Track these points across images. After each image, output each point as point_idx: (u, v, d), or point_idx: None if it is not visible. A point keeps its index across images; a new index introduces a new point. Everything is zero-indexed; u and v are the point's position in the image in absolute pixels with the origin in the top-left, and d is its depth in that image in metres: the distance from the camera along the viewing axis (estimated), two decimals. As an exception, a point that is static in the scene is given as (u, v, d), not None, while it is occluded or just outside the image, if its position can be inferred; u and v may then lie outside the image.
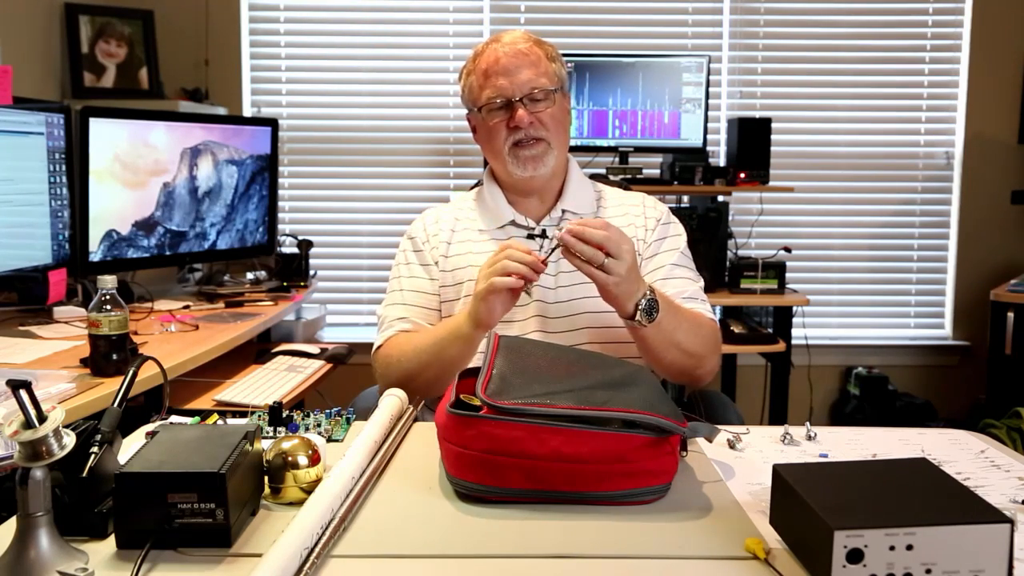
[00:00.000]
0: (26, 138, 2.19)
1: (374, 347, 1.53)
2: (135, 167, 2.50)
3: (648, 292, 1.29)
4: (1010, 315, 3.06)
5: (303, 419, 1.26)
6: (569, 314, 1.48)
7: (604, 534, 0.89)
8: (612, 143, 3.13)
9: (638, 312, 1.29)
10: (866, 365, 3.46)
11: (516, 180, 1.52)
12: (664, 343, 1.36)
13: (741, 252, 3.31)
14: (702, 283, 1.55)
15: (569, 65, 3.06)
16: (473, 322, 1.33)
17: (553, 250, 1.30)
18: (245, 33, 3.43)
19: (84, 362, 1.69)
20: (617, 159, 3.16)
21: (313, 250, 3.08)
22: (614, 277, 1.24)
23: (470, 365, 1.42)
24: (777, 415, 3.05)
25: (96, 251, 2.40)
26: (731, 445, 1.18)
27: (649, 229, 1.56)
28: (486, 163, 1.61)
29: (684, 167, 3.09)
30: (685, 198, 3.34)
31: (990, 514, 0.76)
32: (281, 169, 3.30)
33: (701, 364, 1.43)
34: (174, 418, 1.20)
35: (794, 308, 3.06)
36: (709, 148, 3.20)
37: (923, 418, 3.32)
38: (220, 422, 1.19)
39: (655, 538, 0.88)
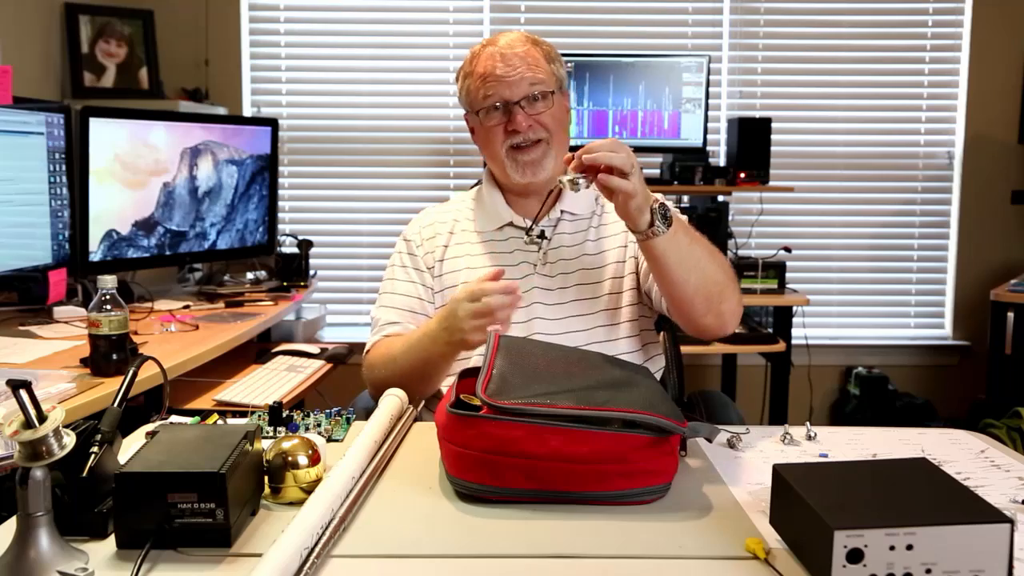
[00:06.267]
0: (26, 138, 2.19)
1: (364, 350, 1.54)
2: (135, 167, 2.49)
3: (656, 201, 1.26)
4: (1010, 315, 3.05)
5: (303, 419, 1.26)
6: (564, 332, 1.48)
7: (604, 534, 0.89)
8: (612, 143, 3.13)
9: (655, 219, 1.24)
10: (866, 365, 3.46)
11: (514, 184, 1.51)
12: (685, 261, 1.30)
13: (741, 252, 3.31)
14: None
15: (569, 65, 3.06)
16: (451, 344, 1.33)
17: (545, 242, 1.29)
18: (245, 33, 3.43)
19: (84, 362, 1.69)
20: (617, 159, 3.15)
21: (313, 250, 3.08)
22: (636, 186, 1.21)
23: (469, 365, 1.42)
24: (777, 415, 3.05)
25: (96, 251, 2.40)
26: (731, 445, 1.18)
27: None
28: (486, 163, 1.61)
29: (684, 167, 3.09)
30: (685, 198, 3.34)
31: (990, 514, 0.76)
32: (281, 169, 3.30)
33: (725, 295, 1.37)
34: (174, 418, 1.20)
35: (794, 308, 3.06)
36: (709, 148, 3.20)
37: (923, 418, 3.32)
38: (220, 422, 1.19)
39: (655, 538, 0.88)
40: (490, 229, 1.55)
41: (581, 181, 1.22)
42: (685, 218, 1.49)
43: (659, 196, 1.31)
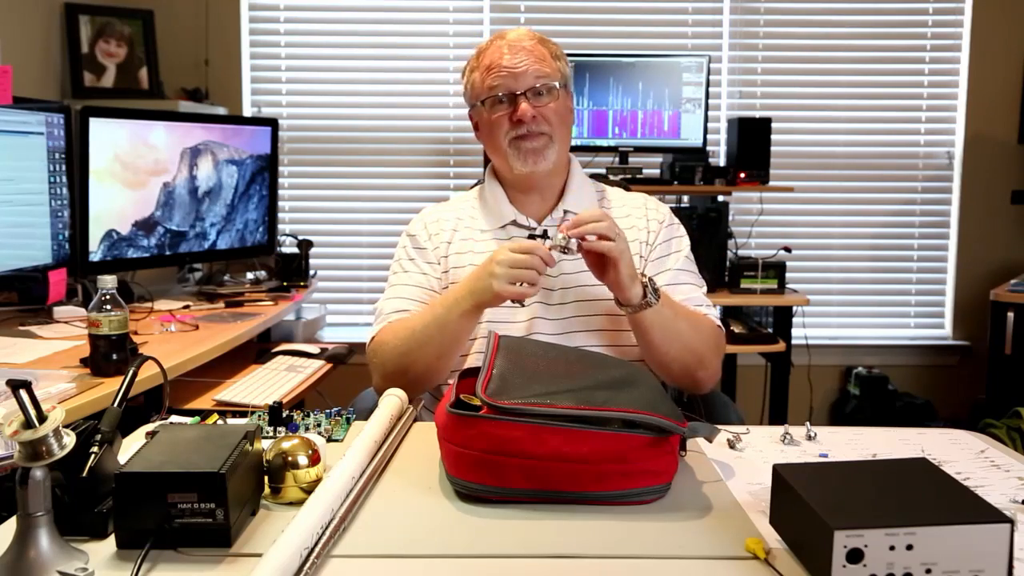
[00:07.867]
0: (26, 138, 2.19)
1: (368, 338, 1.50)
2: (135, 167, 2.49)
3: (645, 277, 1.34)
4: (1010, 315, 3.05)
5: (303, 419, 1.26)
6: (567, 321, 1.48)
7: (604, 534, 0.89)
8: (612, 143, 3.13)
9: (647, 291, 1.32)
10: (866, 365, 3.46)
11: (517, 176, 1.50)
12: (666, 334, 1.37)
13: (741, 252, 3.31)
14: (705, 288, 1.55)
15: (569, 65, 3.06)
16: (475, 302, 1.34)
17: (551, 248, 1.31)
18: (245, 33, 3.43)
19: (84, 362, 1.69)
20: (617, 159, 3.16)
21: (313, 250, 3.08)
22: (624, 251, 1.29)
23: (469, 365, 1.42)
24: (777, 415, 3.05)
25: (96, 251, 2.40)
26: (731, 445, 1.18)
27: (652, 231, 1.55)
28: (486, 163, 1.60)
29: (684, 167, 3.09)
30: (685, 198, 3.34)
31: (990, 514, 0.76)
32: (281, 169, 3.30)
33: (703, 363, 1.43)
34: (174, 418, 1.20)
35: (794, 308, 3.06)
36: (709, 148, 3.20)
37: (923, 418, 3.32)
38: (220, 422, 1.19)
39: (655, 538, 0.88)
40: (493, 227, 1.55)
41: (573, 243, 1.31)
42: (685, 299, 1.50)
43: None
